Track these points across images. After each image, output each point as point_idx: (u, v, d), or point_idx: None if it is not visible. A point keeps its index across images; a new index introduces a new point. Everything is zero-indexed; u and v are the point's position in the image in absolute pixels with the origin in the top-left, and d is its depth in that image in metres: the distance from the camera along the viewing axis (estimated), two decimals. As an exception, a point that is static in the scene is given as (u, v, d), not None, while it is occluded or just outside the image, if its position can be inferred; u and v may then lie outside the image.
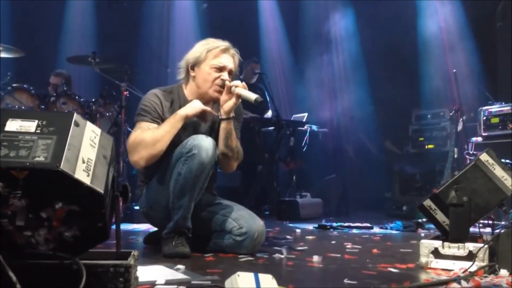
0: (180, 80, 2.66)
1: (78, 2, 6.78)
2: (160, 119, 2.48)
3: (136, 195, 2.73)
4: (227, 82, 2.46)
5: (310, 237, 3.44)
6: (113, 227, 1.51)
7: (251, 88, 5.72)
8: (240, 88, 2.43)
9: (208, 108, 2.48)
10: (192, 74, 2.57)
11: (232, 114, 2.49)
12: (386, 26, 6.37)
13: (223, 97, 2.47)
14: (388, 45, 6.44)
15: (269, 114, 5.66)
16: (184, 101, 2.56)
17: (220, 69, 2.53)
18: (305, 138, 5.66)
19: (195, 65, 2.56)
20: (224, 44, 2.59)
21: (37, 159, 1.28)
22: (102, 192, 1.35)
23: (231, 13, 7.06)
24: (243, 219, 2.50)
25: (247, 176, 5.24)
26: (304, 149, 5.64)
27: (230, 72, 2.56)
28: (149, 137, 2.36)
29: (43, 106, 4.72)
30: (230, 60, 2.57)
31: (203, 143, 2.32)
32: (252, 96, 2.40)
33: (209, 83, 2.52)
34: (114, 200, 1.51)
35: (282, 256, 2.44)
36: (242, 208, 2.62)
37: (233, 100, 2.45)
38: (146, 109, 2.48)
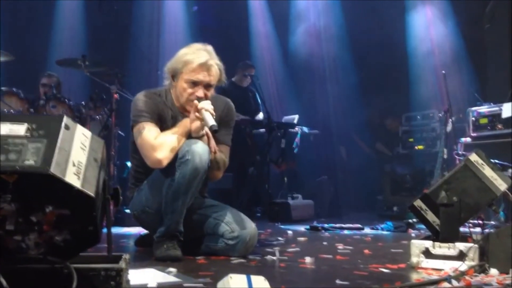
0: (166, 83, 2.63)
1: (68, 5, 6.73)
2: (158, 119, 2.48)
3: (127, 198, 2.72)
4: (195, 102, 2.40)
5: (302, 239, 3.44)
6: (104, 230, 1.51)
7: (243, 92, 5.71)
8: (204, 110, 2.35)
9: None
10: (173, 83, 2.54)
11: (202, 133, 2.42)
12: (375, 28, 6.41)
13: (192, 115, 2.41)
14: (378, 47, 6.48)
15: (260, 116, 5.66)
16: (172, 105, 2.55)
17: (195, 83, 2.45)
18: (296, 140, 5.66)
19: (173, 76, 2.52)
20: (201, 57, 2.44)
21: (27, 162, 1.28)
22: (93, 195, 1.34)
23: (221, 15, 7.07)
24: (235, 223, 2.50)
25: (239, 178, 5.24)
26: (295, 150, 5.64)
27: (208, 85, 2.47)
28: (172, 139, 2.36)
29: (32, 110, 4.68)
30: (206, 73, 2.44)
31: (197, 149, 2.31)
32: (210, 122, 2.31)
33: (184, 98, 2.48)
34: (105, 203, 1.50)
35: (275, 258, 2.44)
36: (234, 211, 2.62)
37: (199, 121, 2.39)
38: (146, 110, 2.46)
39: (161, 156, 2.35)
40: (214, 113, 2.37)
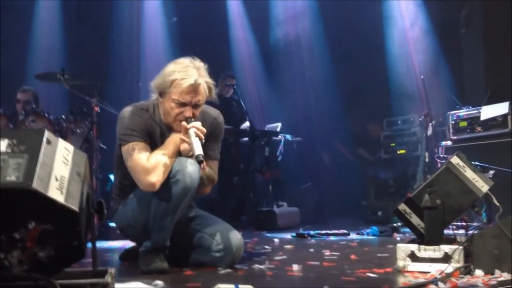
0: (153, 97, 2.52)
1: (45, 17, 6.66)
2: (148, 137, 2.40)
3: (111, 209, 2.65)
4: (183, 123, 2.31)
5: (289, 246, 3.44)
6: (89, 245, 1.49)
7: (227, 102, 5.67)
8: (193, 135, 2.27)
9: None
10: (160, 99, 2.44)
11: (191, 153, 2.35)
12: (355, 35, 6.48)
13: (181, 135, 2.34)
14: (358, 54, 6.56)
15: (246, 124, 5.66)
16: (160, 121, 2.47)
17: (183, 104, 2.35)
18: (280, 148, 5.68)
19: (160, 93, 2.42)
20: (189, 77, 2.32)
21: (8, 178, 1.25)
22: (77, 210, 1.32)
23: (201, 25, 7.07)
24: (220, 235, 2.48)
25: (223, 187, 5.22)
26: (279, 158, 5.66)
27: (196, 104, 2.38)
28: (165, 161, 2.29)
29: (11, 125, 4.62)
30: (195, 93, 2.34)
31: (188, 169, 2.28)
32: (196, 151, 2.24)
33: (171, 117, 2.39)
34: (90, 218, 1.48)
35: (262, 267, 2.43)
36: (219, 221, 2.60)
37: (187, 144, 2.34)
38: (135, 128, 2.37)
39: (154, 179, 2.27)
40: (203, 137, 2.31)
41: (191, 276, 2.24)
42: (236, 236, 2.49)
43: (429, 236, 2.17)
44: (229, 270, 2.35)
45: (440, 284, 1.79)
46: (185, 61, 2.42)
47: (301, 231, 4.33)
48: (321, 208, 5.97)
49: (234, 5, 7.66)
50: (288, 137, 5.96)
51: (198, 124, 2.33)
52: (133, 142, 2.35)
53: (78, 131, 4.77)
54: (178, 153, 2.38)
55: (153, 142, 2.43)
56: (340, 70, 6.86)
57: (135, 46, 7.12)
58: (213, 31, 7.37)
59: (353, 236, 4.09)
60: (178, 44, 6.90)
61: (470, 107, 4.45)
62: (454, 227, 2.69)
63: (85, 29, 6.56)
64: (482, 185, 2.23)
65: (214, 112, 2.63)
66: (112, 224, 3.96)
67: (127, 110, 2.45)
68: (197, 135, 2.28)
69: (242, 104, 5.50)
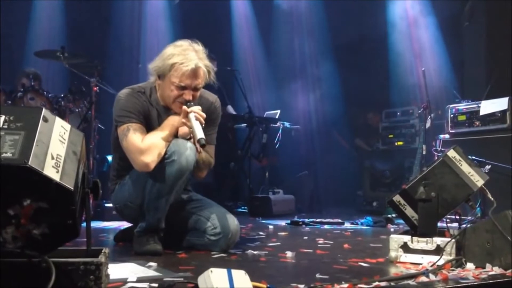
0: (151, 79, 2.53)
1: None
2: (144, 119, 2.41)
3: (108, 189, 2.67)
4: (184, 107, 2.32)
5: (283, 233, 3.46)
6: (83, 224, 1.49)
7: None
8: (194, 119, 2.28)
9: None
10: (158, 81, 2.45)
11: (189, 136, 2.38)
12: (357, 25, 6.46)
13: (181, 119, 2.34)
14: (359, 44, 6.53)
15: (228, 109, 5.62)
16: (157, 104, 2.47)
17: (183, 87, 2.36)
18: (278, 135, 5.69)
19: (159, 75, 2.42)
20: (189, 61, 2.33)
21: (4, 155, 1.25)
22: (72, 188, 1.33)
23: (203, 8, 7.03)
24: (217, 219, 2.49)
25: (220, 172, 5.23)
26: (277, 146, 5.67)
27: (196, 87, 2.39)
28: (160, 142, 2.29)
29: (9, 102, 4.60)
30: (195, 77, 2.35)
31: (184, 150, 2.28)
32: (198, 134, 2.24)
33: (171, 99, 2.40)
34: (84, 197, 1.48)
35: (255, 252, 2.44)
36: (216, 206, 2.61)
37: (187, 127, 2.35)
38: (130, 110, 2.37)
39: (148, 160, 2.27)
40: (203, 122, 2.31)
41: (184, 259, 2.25)
42: (233, 221, 2.50)
43: (422, 228, 2.18)
44: (222, 255, 2.36)
45: (431, 275, 1.81)
46: (184, 44, 2.42)
47: (295, 218, 4.35)
48: (316, 196, 5.99)
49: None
50: (287, 124, 5.96)
51: (198, 108, 2.33)
52: (128, 123, 2.36)
53: (77, 110, 4.77)
54: (175, 136, 2.38)
55: (150, 124, 2.44)
56: (341, 59, 6.83)
57: (136, 26, 7.06)
58: (215, 13, 7.32)
59: (347, 225, 4.12)
60: (179, 26, 6.85)
61: (470, 101, 4.44)
62: (448, 220, 2.70)
63: (86, 9, 6.51)
64: (478, 180, 2.23)
65: (212, 97, 2.64)
66: (108, 205, 3.98)
67: (123, 92, 2.46)
68: (197, 119, 2.29)
69: (240, 89, 5.47)
